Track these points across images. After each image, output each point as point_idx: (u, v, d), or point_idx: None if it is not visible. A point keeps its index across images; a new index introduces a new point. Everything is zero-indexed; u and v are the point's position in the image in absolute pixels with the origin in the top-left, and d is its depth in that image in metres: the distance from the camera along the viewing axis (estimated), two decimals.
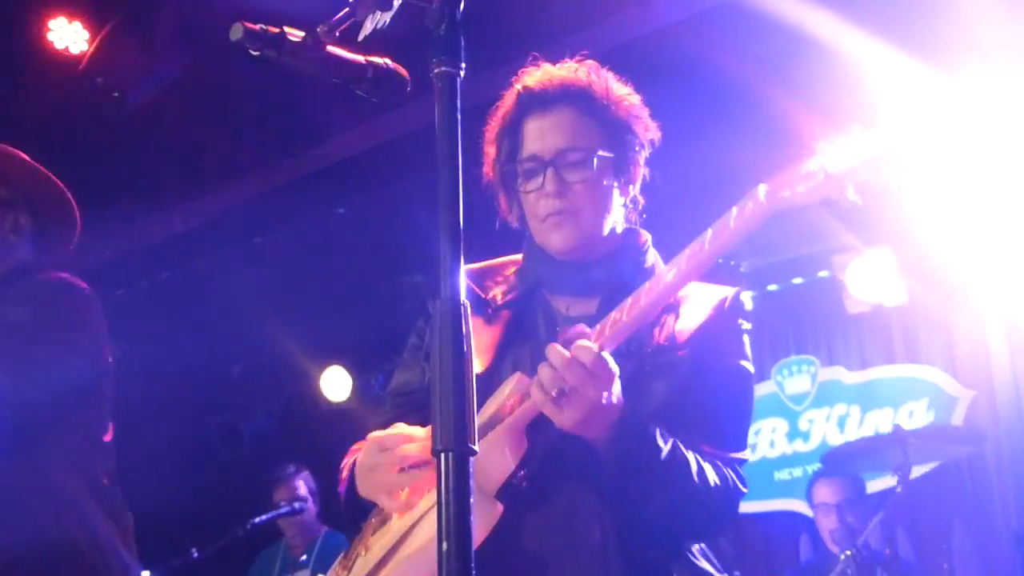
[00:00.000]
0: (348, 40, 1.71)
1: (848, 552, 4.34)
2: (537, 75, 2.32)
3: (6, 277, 2.79)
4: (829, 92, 4.25)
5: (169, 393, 7.31)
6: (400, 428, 2.17)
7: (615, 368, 1.98)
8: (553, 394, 1.96)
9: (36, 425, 2.62)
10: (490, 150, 2.36)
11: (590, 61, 2.37)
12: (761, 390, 6.59)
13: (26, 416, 2.59)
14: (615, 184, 2.30)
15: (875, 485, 5.28)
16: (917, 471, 4.46)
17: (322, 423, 7.61)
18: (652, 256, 2.35)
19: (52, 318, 2.69)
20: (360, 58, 1.75)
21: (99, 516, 2.72)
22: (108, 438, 2.89)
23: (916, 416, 6.17)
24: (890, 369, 6.46)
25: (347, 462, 2.30)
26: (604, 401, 1.97)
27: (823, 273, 6.52)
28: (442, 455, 1.35)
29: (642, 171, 2.36)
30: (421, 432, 2.13)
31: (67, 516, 2.66)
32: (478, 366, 1.90)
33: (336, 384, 7.75)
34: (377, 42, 1.70)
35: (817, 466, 5.54)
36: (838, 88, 4.24)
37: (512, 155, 2.31)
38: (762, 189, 1.99)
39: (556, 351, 1.96)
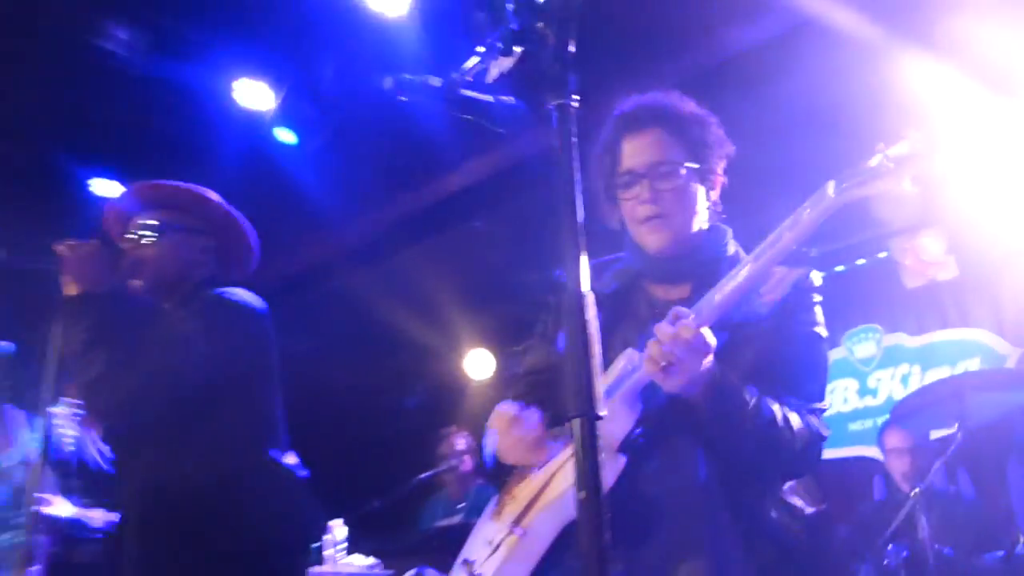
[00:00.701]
0: (477, 82, 1.72)
1: (917, 490, 4.17)
2: (630, 102, 2.32)
3: (193, 289, 2.91)
4: (887, 99, 4.14)
5: (353, 380, 7.46)
6: (529, 413, 2.19)
7: (712, 341, 1.96)
8: (662, 366, 1.95)
9: (201, 403, 2.71)
10: (594, 167, 2.35)
11: (673, 90, 2.35)
12: (834, 355, 6.41)
13: (193, 392, 2.70)
14: (699, 190, 2.27)
15: (937, 433, 5.08)
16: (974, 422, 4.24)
17: (472, 395, 7.71)
18: (733, 246, 2.32)
19: (213, 325, 2.78)
20: (489, 97, 1.75)
21: (252, 483, 2.76)
22: (274, 418, 2.92)
23: None
24: (945, 333, 6.19)
25: (492, 421, 2.34)
26: (702, 368, 1.96)
27: (882, 254, 6.32)
28: (576, 420, 1.34)
29: (721, 178, 2.33)
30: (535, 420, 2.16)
31: (218, 482, 2.70)
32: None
33: (480, 364, 7.82)
34: (501, 82, 1.70)
35: (885, 417, 5.37)
36: (895, 95, 4.13)
37: (612, 170, 2.30)
38: (831, 185, 1.95)
39: (664, 330, 1.95)
